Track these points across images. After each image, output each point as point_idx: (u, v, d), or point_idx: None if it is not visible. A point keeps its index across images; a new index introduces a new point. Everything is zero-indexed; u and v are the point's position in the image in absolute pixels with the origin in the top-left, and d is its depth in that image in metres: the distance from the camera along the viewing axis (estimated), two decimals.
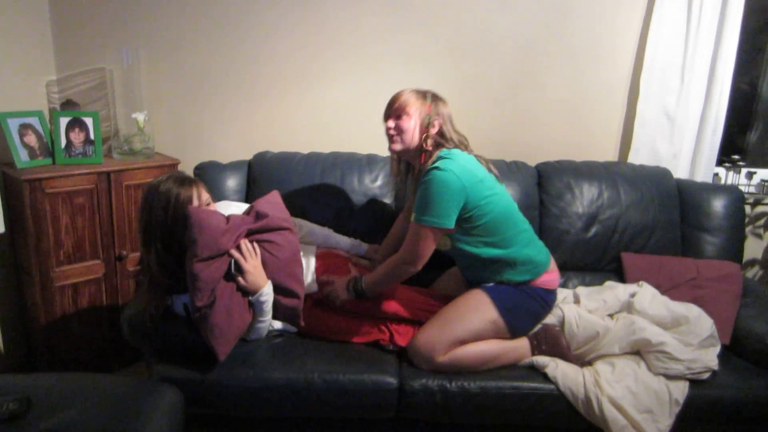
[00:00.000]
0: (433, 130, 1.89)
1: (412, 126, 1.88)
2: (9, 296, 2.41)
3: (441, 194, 1.77)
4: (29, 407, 1.33)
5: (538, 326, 1.96)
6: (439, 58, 2.38)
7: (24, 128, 2.24)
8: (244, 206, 2.04)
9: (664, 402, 1.75)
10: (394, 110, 1.90)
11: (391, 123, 1.91)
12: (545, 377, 1.81)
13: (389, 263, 1.89)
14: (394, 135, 1.91)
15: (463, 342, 1.83)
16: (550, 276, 1.97)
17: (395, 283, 1.95)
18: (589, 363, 1.91)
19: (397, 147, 1.92)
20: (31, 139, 2.26)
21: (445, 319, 1.85)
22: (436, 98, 1.93)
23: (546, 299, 1.95)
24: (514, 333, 1.90)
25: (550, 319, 1.98)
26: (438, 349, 1.79)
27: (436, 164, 1.80)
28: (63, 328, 2.31)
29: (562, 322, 1.96)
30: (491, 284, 1.92)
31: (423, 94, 1.91)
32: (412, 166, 1.99)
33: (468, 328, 1.83)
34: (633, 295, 2.05)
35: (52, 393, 1.40)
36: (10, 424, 1.29)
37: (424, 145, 1.88)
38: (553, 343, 1.90)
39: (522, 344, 1.91)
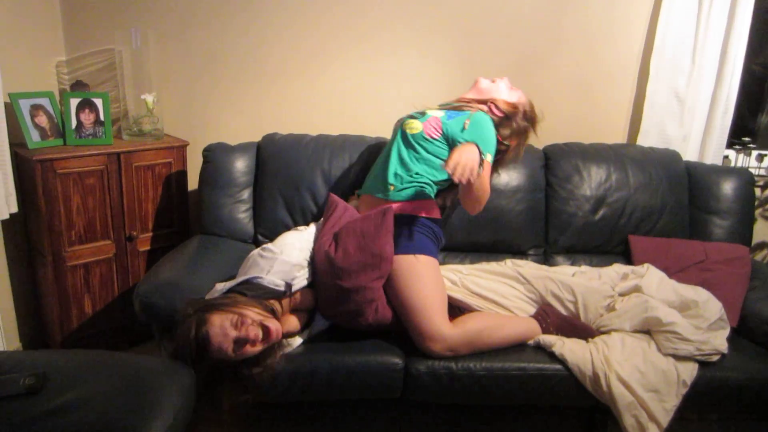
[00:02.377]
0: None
1: None
2: (22, 276, 2.44)
3: (491, 130, 2.00)
4: (45, 382, 1.35)
5: (528, 309, 1.98)
6: (449, 40, 2.37)
7: (35, 109, 2.25)
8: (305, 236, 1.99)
9: (672, 382, 1.76)
10: None
11: None
12: (551, 357, 1.81)
13: (486, 190, 1.87)
14: None
15: (441, 300, 1.85)
16: (414, 203, 2.00)
17: (468, 199, 1.88)
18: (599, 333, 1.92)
19: None
20: (42, 120, 2.27)
21: (407, 307, 1.82)
22: None
23: (419, 219, 1.97)
24: (432, 254, 1.93)
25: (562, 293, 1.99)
26: (436, 322, 1.78)
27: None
28: (75, 307, 2.34)
29: (553, 294, 1.98)
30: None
31: None
32: None
33: (419, 288, 1.83)
34: (638, 276, 2.06)
35: (67, 369, 1.42)
36: (27, 398, 1.31)
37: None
38: (558, 320, 1.92)
39: (529, 320, 1.93)
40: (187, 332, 1.54)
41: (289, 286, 1.76)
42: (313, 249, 1.87)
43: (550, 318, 1.93)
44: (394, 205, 1.96)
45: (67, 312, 2.32)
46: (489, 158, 1.93)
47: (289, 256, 1.80)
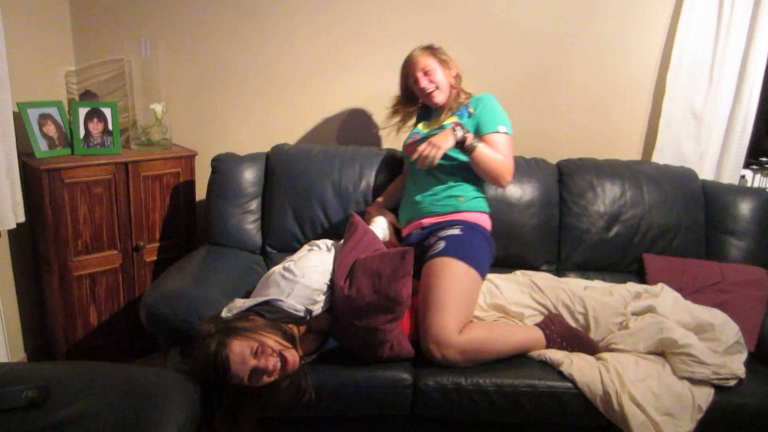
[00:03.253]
0: (454, 72, 2.18)
1: (441, 76, 2.14)
2: (28, 285, 2.42)
3: (502, 109, 2.11)
4: (48, 395, 1.32)
5: (543, 316, 1.94)
6: (461, 52, 2.34)
7: (43, 118, 2.24)
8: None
9: (687, 407, 1.71)
10: (420, 69, 2.13)
11: (424, 82, 2.13)
12: (561, 375, 1.77)
13: (500, 156, 2.01)
14: (433, 90, 2.13)
15: (466, 313, 1.83)
16: (485, 216, 2.15)
17: (485, 172, 2.03)
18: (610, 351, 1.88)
19: (440, 99, 2.15)
20: (51, 129, 2.26)
21: (436, 300, 1.81)
22: (432, 46, 2.18)
23: (486, 234, 2.09)
24: (482, 275, 1.95)
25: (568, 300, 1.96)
26: (450, 328, 1.75)
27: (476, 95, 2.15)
28: (80, 317, 2.32)
29: (564, 305, 1.95)
30: (442, 246, 1.94)
31: (429, 48, 2.16)
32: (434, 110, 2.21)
33: (456, 293, 1.82)
34: (651, 295, 2.01)
35: (71, 381, 1.39)
36: (29, 412, 1.28)
37: (456, 85, 2.17)
38: (564, 330, 1.88)
39: (535, 330, 1.89)
40: (206, 352, 1.51)
41: (309, 312, 1.73)
42: (332, 275, 1.83)
43: (554, 326, 1.89)
44: (468, 215, 2.05)
45: (72, 322, 2.30)
46: (503, 129, 2.05)
47: (310, 280, 1.76)
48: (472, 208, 2.10)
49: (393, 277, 1.69)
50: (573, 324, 1.92)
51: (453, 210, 2.08)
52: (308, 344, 1.79)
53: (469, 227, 2.03)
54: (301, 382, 1.64)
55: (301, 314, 1.70)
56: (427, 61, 2.13)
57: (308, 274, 1.77)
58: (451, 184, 2.11)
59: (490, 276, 2.07)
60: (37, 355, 2.48)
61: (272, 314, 1.66)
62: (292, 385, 1.62)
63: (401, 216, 2.22)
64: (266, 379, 1.55)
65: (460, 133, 1.94)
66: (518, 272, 2.18)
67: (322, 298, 1.78)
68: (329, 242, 2.02)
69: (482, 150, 1.98)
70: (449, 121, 2.11)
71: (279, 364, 1.55)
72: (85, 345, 2.35)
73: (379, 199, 2.31)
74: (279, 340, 1.58)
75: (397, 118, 2.35)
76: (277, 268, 1.83)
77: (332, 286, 1.80)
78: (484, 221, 2.13)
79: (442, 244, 1.94)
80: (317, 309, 1.76)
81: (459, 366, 1.76)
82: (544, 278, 2.09)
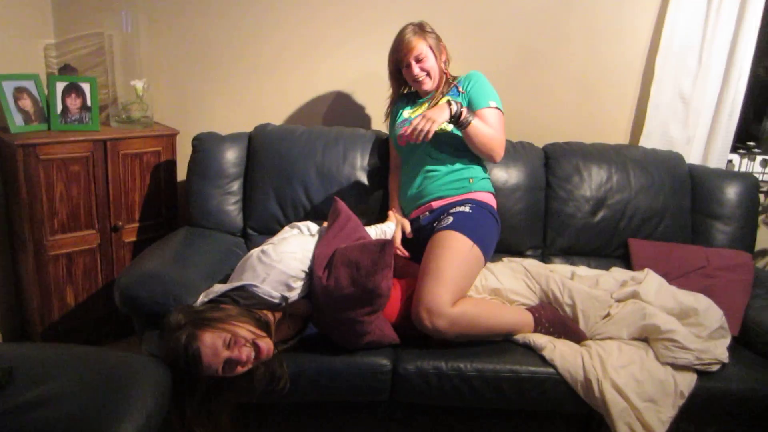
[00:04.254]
0: (444, 56, 2.14)
1: (433, 62, 2.10)
2: (3, 264, 2.37)
3: (491, 85, 2.10)
4: (11, 377, 1.28)
5: (535, 303, 1.94)
6: (448, 33, 2.30)
7: (19, 92, 2.18)
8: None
9: (669, 393, 1.70)
10: (413, 57, 2.07)
11: (416, 69, 2.09)
12: (543, 361, 1.76)
13: (493, 131, 2.00)
14: (423, 78, 2.10)
15: (462, 287, 1.81)
16: (492, 196, 2.14)
17: (480, 147, 2.01)
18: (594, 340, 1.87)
19: (429, 86, 2.13)
20: (27, 104, 2.20)
21: (434, 269, 1.79)
22: (423, 26, 2.12)
23: (495, 215, 2.08)
24: (486, 254, 1.94)
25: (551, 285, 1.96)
26: (444, 298, 1.72)
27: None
28: (56, 298, 2.28)
29: (553, 296, 1.94)
30: (450, 221, 1.93)
31: (420, 29, 2.10)
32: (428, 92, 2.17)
33: (457, 266, 1.81)
34: (638, 283, 2.00)
35: (36, 364, 1.36)
36: None
37: (445, 70, 2.15)
38: (553, 317, 1.87)
39: (525, 313, 1.88)
40: (177, 344, 1.47)
41: (284, 298, 1.68)
42: (312, 262, 1.77)
43: (544, 311, 1.88)
44: (478, 194, 2.05)
45: (48, 303, 2.26)
46: (493, 104, 2.04)
47: (287, 266, 1.71)
48: (482, 189, 2.10)
49: (372, 269, 1.64)
50: (562, 314, 1.91)
51: (464, 192, 2.06)
52: (285, 330, 1.75)
53: (480, 206, 2.02)
54: (276, 369, 1.61)
55: (277, 301, 1.66)
56: (421, 47, 2.07)
57: (285, 259, 1.72)
58: (459, 166, 2.08)
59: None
60: (13, 336, 2.44)
61: (246, 300, 1.62)
62: (267, 373, 1.59)
63: (405, 205, 2.18)
64: (240, 370, 1.52)
65: (455, 107, 1.90)
66: (504, 259, 2.17)
67: (299, 284, 1.73)
68: (314, 226, 1.98)
69: (476, 124, 1.95)
70: (442, 101, 2.07)
71: (252, 354, 1.52)
72: (62, 326, 2.31)
73: (396, 205, 2.23)
74: (252, 328, 1.55)
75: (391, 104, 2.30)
76: (255, 251, 1.78)
77: (311, 273, 1.76)
78: (493, 201, 2.13)
79: (450, 219, 1.94)
80: (293, 296, 1.72)
81: (447, 337, 1.74)
82: (533, 265, 2.07)
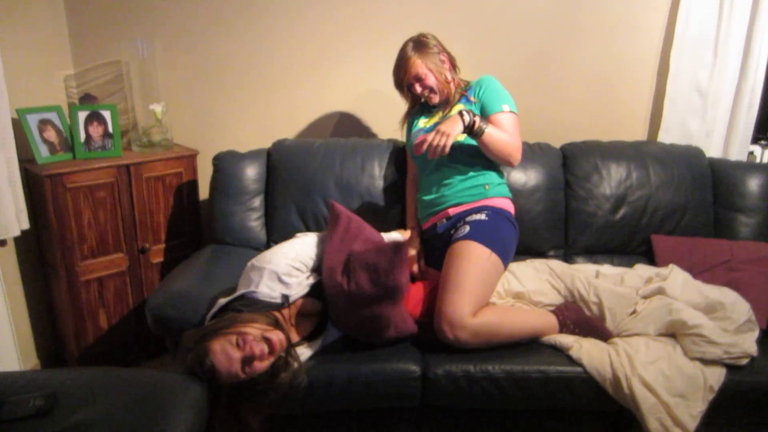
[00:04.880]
0: (447, 65, 2.12)
1: (434, 80, 2.09)
2: (37, 292, 2.43)
3: (503, 88, 2.10)
4: (55, 403, 1.33)
5: (560, 302, 1.93)
6: (459, 38, 2.32)
7: (43, 124, 2.24)
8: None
9: (698, 387, 1.69)
10: (413, 78, 2.09)
11: (419, 89, 2.11)
12: (571, 360, 1.76)
13: (508, 136, 2.00)
14: (428, 95, 2.12)
15: (482, 297, 1.82)
16: (509, 201, 2.15)
17: (496, 154, 2.00)
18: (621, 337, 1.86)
19: (437, 100, 2.14)
20: (51, 135, 2.26)
21: (453, 281, 1.81)
22: (423, 43, 2.10)
23: (512, 220, 2.08)
24: (505, 260, 1.94)
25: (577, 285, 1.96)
26: (465, 310, 1.74)
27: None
28: (90, 321, 2.33)
29: (579, 294, 1.93)
30: (467, 230, 1.93)
31: (419, 47, 2.09)
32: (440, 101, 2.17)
33: (476, 276, 1.82)
34: (663, 279, 1.99)
35: (78, 388, 1.40)
36: (37, 420, 1.28)
37: (451, 80, 2.13)
38: (578, 317, 1.87)
39: (548, 315, 1.88)
40: (192, 364, 1.50)
41: (285, 297, 1.71)
42: (322, 264, 1.81)
43: (568, 312, 1.88)
44: (494, 200, 2.06)
45: (82, 327, 2.31)
46: (507, 108, 2.04)
47: (276, 266, 1.75)
48: (498, 194, 2.10)
49: (389, 269, 1.69)
50: (587, 313, 1.91)
51: (480, 198, 2.07)
52: (304, 328, 1.77)
53: (496, 212, 2.03)
54: (293, 365, 1.62)
55: (278, 300, 1.69)
56: (419, 67, 2.07)
57: (275, 259, 1.76)
58: (473, 174, 2.09)
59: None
60: (50, 361, 2.50)
61: (250, 307, 1.65)
62: (288, 369, 1.60)
63: (421, 213, 2.19)
64: (259, 366, 1.53)
65: (467, 117, 1.90)
66: (527, 261, 2.16)
67: (293, 280, 1.76)
68: (311, 234, 2.01)
69: (490, 132, 1.95)
70: (455, 110, 2.07)
71: (266, 348, 1.54)
72: (97, 349, 2.37)
73: (414, 225, 2.24)
74: (259, 326, 1.57)
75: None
76: (251, 261, 1.83)
77: (319, 274, 1.79)
78: (510, 206, 2.13)
79: (466, 229, 1.95)
80: (295, 294, 1.74)
81: (471, 348, 1.75)
82: (558, 265, 2.07)
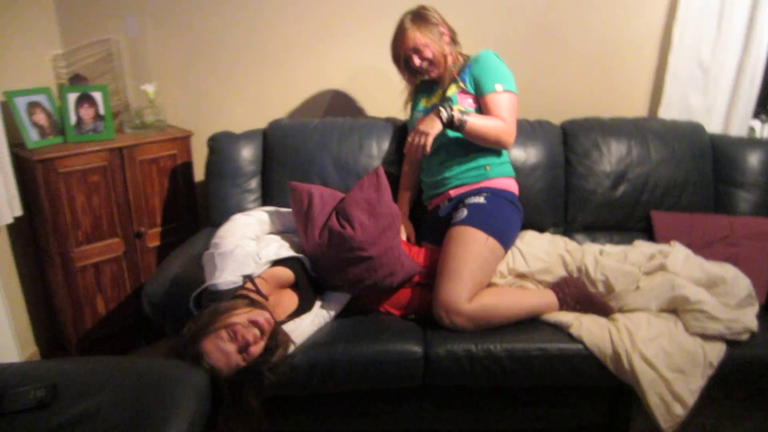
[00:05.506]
0: (446, 38, 2.08)
1: (432, 52, 2.04)
2: (33, 279, 2.40)
3: (505, 66, 2.05)
4: (56, 394, 1.32)
5: (558, 278, 1.93)
6: (459, 14, 2.27)
7: (32, 107, 2.19)
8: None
9: (698, 363, 1.71)
10: (411, 50, 2.05)
11: (417, 61, 2.06)
12: (571, 337, 1.76)
13: (494, 121, 1.97)
14: (427, 67, 2.07)
15: (479, 282, 1.82)
16: (512, 181, 2.13)
17: (484, 142, 2.01)
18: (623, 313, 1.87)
19: (435, 74, 2.10)
20: (41, 118, 2.21)
21: (450, 267, 1.82)
22: (422, 15, 2.06)
23: (516, 202, 2.07)
24: (505, 244, 1.93)
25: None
26: (461, 296, 1.76)
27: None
28: (88, 307, 2.31)
29: (585, 271, 1.93)
30: (464, 214, 1.93)
31: (418, 19, 2.04)
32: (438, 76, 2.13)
33: (472, 262, 1.82)
34: (665, 256, 1.98)
35: (79, 379, 1.39)
36: (38, 412, 1.28)
37: (450, 53, 2.08)
38: (579, 292, 1.87)
39: (547, 294, 1.88)
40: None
41: (248, 276, 1.68)
42: (308, 232, 1.81)
43: (569, 289, 1.88)
44: (496, 181, 2.05)
45: (80, 313, 2.29)
46: (500, 87, 2.00)
47: (225, 247, 1.72)
48: (500, 175, 2.09)
49: (380, 196, 1.81)
50: (591, 290, 1.91)
51: (481, 179, 2.06)
52: (287, 302, 1.76)
53: (496, 195, 2.01)
54: (283, 339, 1.63)
55: (240, 283, 1.66)
56: (417, 38, 2.03)
57: (223, 243, 1.74)
58: (473, 154, 2.06)
59: (525, 232, 2.09)
60: (48, 348, 2.48)
61: (217, 299, 1.61)
62: (280, 343, 1.62)
63: (425, 194, 2.19)
64: (256, 350, 1.53)
65: (445, 113, 1.90)
66: (547, 233, 2.19)
67: (252, 258, 1.72)
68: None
69: (472, 122, 1.94)
70: (452, 91, 2.06)
71: (257, 331, 1.53)
72: (95, 334, 2.35)
73: (406, 212, 2.25)
74: (241, 311, 1.55)
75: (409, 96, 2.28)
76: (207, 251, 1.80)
77: (312, 254, 1.82)
78: (512, 186, 2.11)
79: (464, 213, 1.94)
80: (257, 268, 1.71)
81: (469, 331, 1.77)
82: (569, 242, 2.09)
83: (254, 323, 1.53)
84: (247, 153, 2.31)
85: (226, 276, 1.65)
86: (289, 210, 1.98)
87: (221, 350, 1.49)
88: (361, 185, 1.87)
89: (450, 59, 2.09)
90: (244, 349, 1.51)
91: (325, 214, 1.84)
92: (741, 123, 2.51)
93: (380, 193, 1.83)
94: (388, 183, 1.86)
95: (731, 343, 1.75)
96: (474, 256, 1.83)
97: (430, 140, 1.89)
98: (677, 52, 2.45)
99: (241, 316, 1.53)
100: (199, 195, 2.57)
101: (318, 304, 1.84)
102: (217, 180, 2.28)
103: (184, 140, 2.45)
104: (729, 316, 1.75)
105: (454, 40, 2.13)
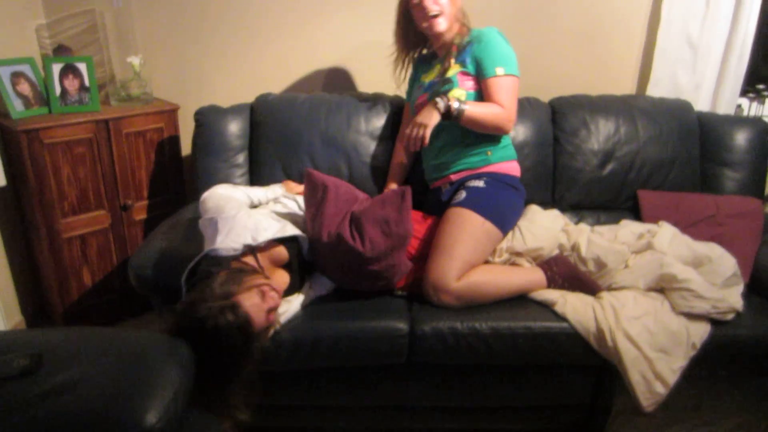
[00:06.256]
0: (459, 3, 2.01)
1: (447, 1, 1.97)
2: (18, 251, 2.40)
3: (509, 46, 2.00)
4: (40, 363, 1.31)
5: (548, 257, 1.93)
6: None
7: (16, 77, 2.16)
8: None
9: (681, 344, 1.72)
10: None
11: (430, 2, 1.94)
12: (557, 315, 1.77)
13: (493, 108, 1.93)
14: (437, 14, 1.96)
15: (470, 262, 1.82)
16: (514, 163, 2.10)
17: (483, 130, 1.98)
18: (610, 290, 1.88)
19: (443, 27, 1.99)
20: (25, 88, 2.18)
21: (442, 246, 1.83)
22: None
23: (517, 185, 2.05)
24: (503, 228, 1.93)
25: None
26: (450, 275, 1.76)
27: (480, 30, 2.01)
28: (74, 279, 2.31)
29: (577, 249, 1.93)
30: (463, 196, 1.93)
31: None
32: (435, 50, 2.11)
33: (465, 242, 1.83)
34: (653, 235, 2.00)
35: (63, 348, 1.39)
36: (22, 380, 1.27)
37: (458, 19, 2.02)
38: (567, 270, 1.88)
39: (535, 272, 1.89)
40: (226, 324, 1.48)
41: (249, 247, 1.69)
42: (317, 229, 1.78)
43: (557, 267, 1.88)
44: (497, 166, 2.03)
45: (66, 284, 2.29)
46: (501, 71, 1.95)
47: (228, 212, 1.75)
48: (501, 159, 2.06)
49: (399, 218, 1.75)
50: (582, 268, 1.91)
51: (483, 164, 2.04)
52: (278, 281, 1.76)
53: (496, 179, 2.00)
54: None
55: (241, 250, 1.68)
56: None
57: (226, 208, 1.78)
58: (474, 139, 2.04)
59: (529, 207, 2.10)
60: (35, 317, 2.49)
61: (216, 264, 1.62)
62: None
63: (427, 173, 2.18)
64: (273, 317, 1.61)
65: (441, 104, 1.87)
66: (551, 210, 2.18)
67: (249, 219, 1.75)
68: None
69: (470, 111, 1.90)
70: (453, 71, 2.02)
71: (277, 296, 1.60)
72: (81, 306, 2.36)
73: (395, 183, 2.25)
74: (259, 277, 1.61)
75: (399, 67, 2.21)
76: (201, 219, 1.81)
77: (316, 245, 1.79)
78: (513, 169, 2.09)
79: (462, 195, 1.94)
80: (260, 239, 1.72)
81: (457, 308, 1.78)
82: (567, 221, 2.10)
83: (275, 290, 1.59)
84: (235, 127, 2.29)
85: (228, 242, 1.67)
86: (273, 189, 2.01)
87: (257, 306, 1.54)
88: (383, 200, 1.82)
89: (456, 25, 2.04)
90: (271, 310, 1.58)
91: (338, 216, 1.81)
92: (729, 101, 2.51)
93: (401, 214, 1.77)
94: (411, 204, 1.80)
95: (716, 323, 1.76)
96: (467, 237, 1.83)
97: (428, 132, 1.86)
98: (666, 28, 2.44)
99: (266, 283, 1.59)
100: (186, 169, 2.56)
101: (306, 285, 1.84)
102: (203, 154, 2.26)
103: (170, 113, 2.43)
104: (715, 296, 1.76)
105: (463, 13, 2.06)
